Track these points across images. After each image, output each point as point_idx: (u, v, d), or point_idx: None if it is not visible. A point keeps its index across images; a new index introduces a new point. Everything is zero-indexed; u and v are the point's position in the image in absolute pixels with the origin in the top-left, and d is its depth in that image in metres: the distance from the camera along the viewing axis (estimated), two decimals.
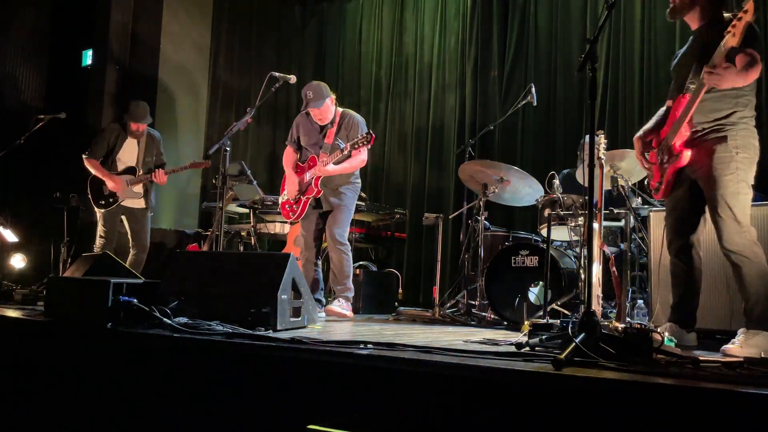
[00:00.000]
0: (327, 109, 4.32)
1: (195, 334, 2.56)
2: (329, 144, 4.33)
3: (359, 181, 4.51)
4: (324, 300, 4.50)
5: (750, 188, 2.75)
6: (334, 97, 4.38)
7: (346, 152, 4.21)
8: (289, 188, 4.41)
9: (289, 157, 4.52)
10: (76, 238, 5.80)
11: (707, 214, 2.88)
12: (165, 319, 2.75)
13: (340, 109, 4.44)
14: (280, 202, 4.54)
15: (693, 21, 2.96)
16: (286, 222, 5.99)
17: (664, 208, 3.18)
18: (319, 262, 4.46)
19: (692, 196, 2.92)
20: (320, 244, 4.48)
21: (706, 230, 2.99)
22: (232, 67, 8.05)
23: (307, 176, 4.33)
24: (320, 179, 4.27)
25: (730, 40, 2.55)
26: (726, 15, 2.82)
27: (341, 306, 4.15)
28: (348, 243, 4.37)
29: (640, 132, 3.14)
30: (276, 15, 8.26)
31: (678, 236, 3.01)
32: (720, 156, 2.73)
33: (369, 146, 4.22)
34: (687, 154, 2.82)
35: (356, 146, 4.17)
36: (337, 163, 4.25)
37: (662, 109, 3.09)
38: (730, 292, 3.05)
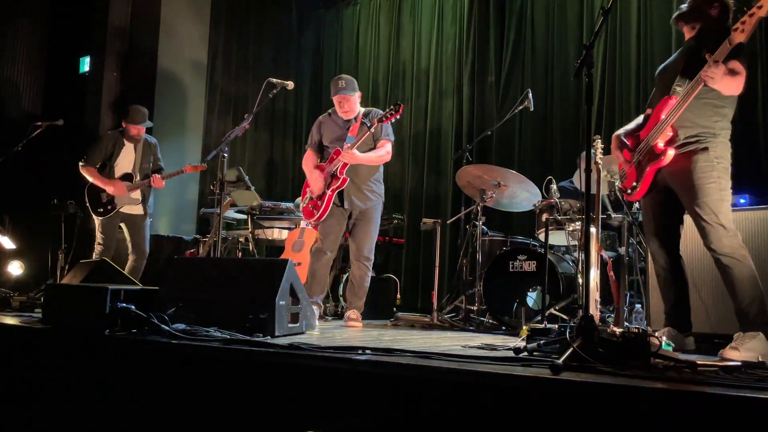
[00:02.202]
0: (356, 101, 4.30)
1: (193, 340, 2.56)
2: (353, 137, 4.22)
3: (383, 185, 4.42)
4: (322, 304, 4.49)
5: (729, 195, 2.83)
6: (360, 94, 4.37)
7: (373, 129, 4.14)
8: (313, 186, 4.24)
9: (310, 159, 4.37)
10: (74, 244, 5.79)
11: (685, 222, 2.96)
12: (163, 326, 2.74)
13: (363, 108, 4.40)
14: (303, 206, 4.40)
15: (688, 32, 2.99)
16: (284, 228, 6.00)
17: None
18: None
19: (668, 204, 2.98)
20: (338, 246, 4.37)
21: (690, 236, 3.04)
22: (229, 74, 8.07)
23: (331, 168, 4.20)
24: (346, 167, 4.16)
25: (738, 35, 2.53)
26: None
27: (358, 318, 4.18)
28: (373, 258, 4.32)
29: (620, 131, 3.16)
30: (273, 21, 8.28)
31: (660, 243, 3.05)
32: (702, 165, 2.79)
33: (398, 116, 4.12)
34: (671, 153, 2.84)
35: (384, 119, 4.12)
36: (361, 150, 4.17)
37: (641, 116, 3.13)
38: (726, 296, 3.06)
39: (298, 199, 4.48)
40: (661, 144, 2.87)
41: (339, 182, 4.14)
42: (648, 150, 2.93)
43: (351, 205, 4.21)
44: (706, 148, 2.80)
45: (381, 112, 4.33)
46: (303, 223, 5.41)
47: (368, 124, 4.15)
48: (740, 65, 2.70)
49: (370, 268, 4.28)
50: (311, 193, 4.28)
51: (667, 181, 2.94)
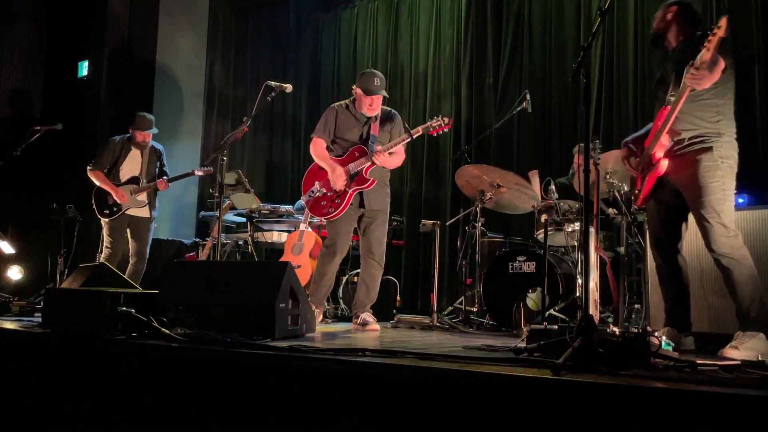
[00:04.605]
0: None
1: (193, 343, 2.56)
2: (376, 135, 4.08)
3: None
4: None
5: (733, 196, 2.87)
6: None
7: (416, 136, 3.99)
8: (335, 181, 4.01)
9: (323, 147, 4.13)
10: (74, 249, 5.79)
11: (689, 221, 3.02)
12: (163, 329, 2.74)
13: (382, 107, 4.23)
14: (308, 200, 4.14)
15: (672, 40, 3.06)
16: (283, 231, 5.99)
17: None
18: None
19: (676, 204, 3.01)
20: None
21: (692, 236, 3.08)
22: (227, 77, 8.07)
23: (353, 167, 4.03)
24: (371, 169, 4.02)
25: (705, 54, 2.66)
26: (698, 33, 2.95)
27: (375, 320, 4.02)
28: None
29: (629, 138, 3.23)
30: (271, 24, 8.29)
31: (663, 243, 3.09)
32: (706, 165, 2.83)
33: (446, 130, 4.01)
34: (664, 164, 2.91)
35: (430, 129, 3.99)
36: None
37: (650, 125, 3.18)
38: (726, 296, 3.07)
39: (300, 201, 4.33)
40: (659, 154, 2.93)
41: (366, 184, 4.00)
42: (648, 158, 3.00)
43: (370, 206, 4.07)
44: (710, 148, 2.85)
45: (398, 115, 4.26)
46: (302, 226, 5.40)
47: (410, 132, 3.99)
48: (720, 59, 2.75)
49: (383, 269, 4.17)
50: (323, 188, 4.07)
51: (672, 182, 2.97)
